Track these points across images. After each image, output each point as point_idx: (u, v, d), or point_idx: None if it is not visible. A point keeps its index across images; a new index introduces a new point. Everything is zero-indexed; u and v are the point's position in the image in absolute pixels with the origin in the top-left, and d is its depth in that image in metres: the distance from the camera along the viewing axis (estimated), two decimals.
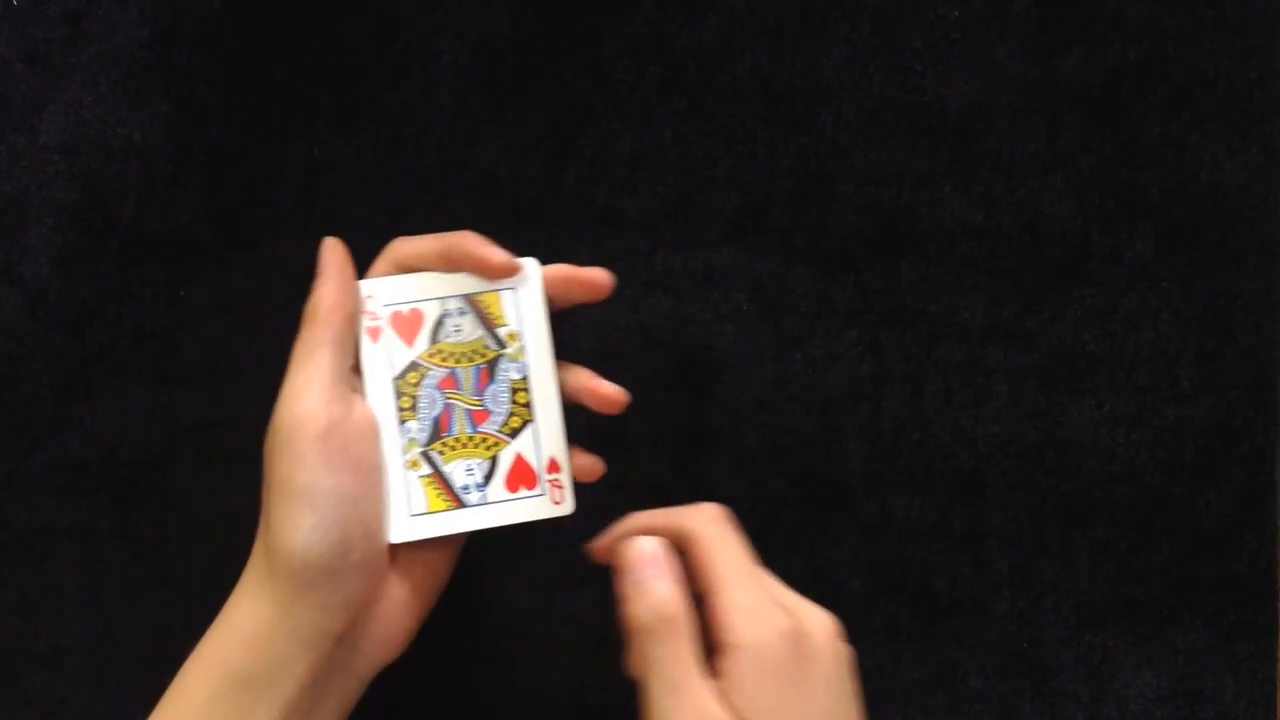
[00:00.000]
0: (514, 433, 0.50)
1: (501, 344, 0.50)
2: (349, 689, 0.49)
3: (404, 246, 0.50)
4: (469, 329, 0.50)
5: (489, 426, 0.50)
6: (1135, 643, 0.58)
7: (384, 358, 0.49)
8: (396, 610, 0.49)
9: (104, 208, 0.57)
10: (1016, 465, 0.58)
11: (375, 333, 0.49)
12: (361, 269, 0.50)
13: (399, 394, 0.49)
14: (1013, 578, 0.58)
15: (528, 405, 0.50)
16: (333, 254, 0.49)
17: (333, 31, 0.58)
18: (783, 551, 0.57)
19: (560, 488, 0.50)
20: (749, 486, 0.57)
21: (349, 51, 0.58)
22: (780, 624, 0.44)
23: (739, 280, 0.58)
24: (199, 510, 0.57)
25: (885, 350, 0.58)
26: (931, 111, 0.58)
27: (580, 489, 0.50)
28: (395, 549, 0.49)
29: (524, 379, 0.50)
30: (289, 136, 0.58)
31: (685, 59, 0.58)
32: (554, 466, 0.50)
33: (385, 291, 0.49)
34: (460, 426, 0.50)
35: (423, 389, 0.49)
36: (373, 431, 0.48)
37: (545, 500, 0.50)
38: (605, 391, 0.50)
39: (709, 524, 0.47)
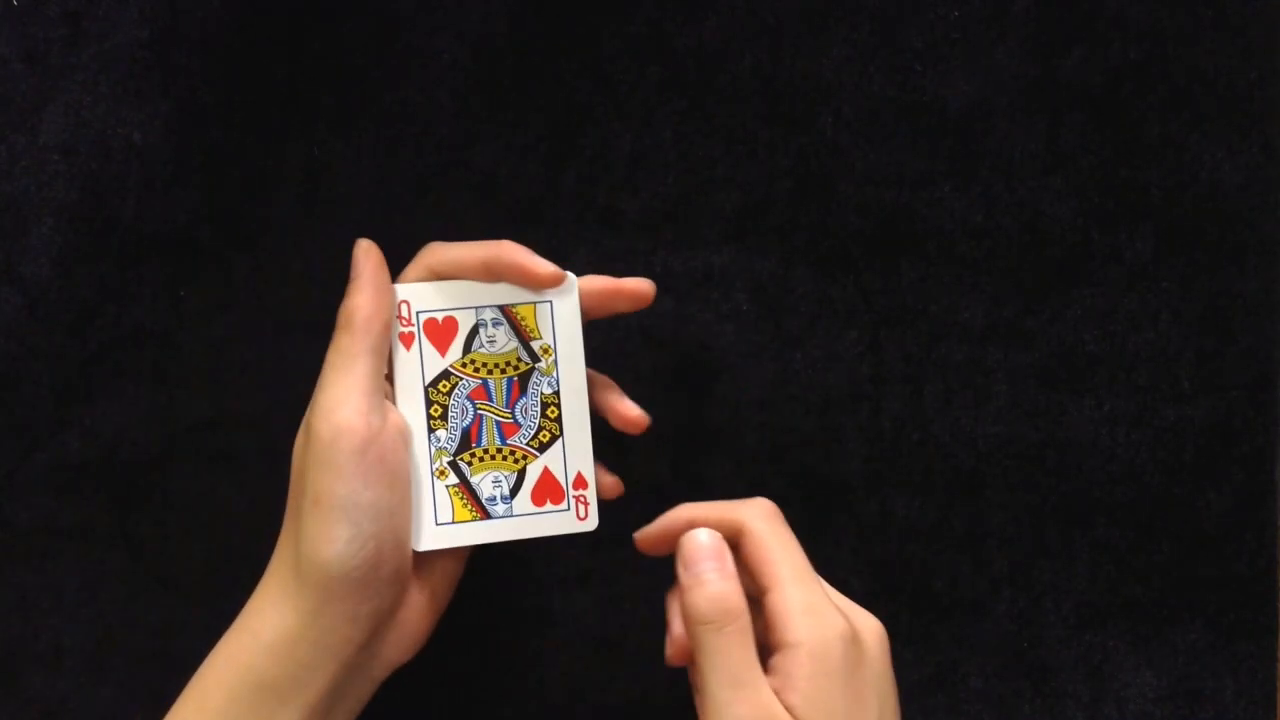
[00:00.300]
0: (542, 447, 0.49)
1: (535, 357, 0.49)
2: (364, 691, 0.49)
3: (441, 253, 0.49)
4: (503, 340, 0.49)
5: (518, 439, 0.49)
6: (1135, 643, 0.58)
7: (416, 365, 0.49)
8: (415, 615, 0.49)
9: (104, 208, 0.57)
10: (1016, 465, 0.58)
11: (408, 339, 0.49)
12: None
13: (430, 402, 0.49)
14: (1013, 578, 0.58)
15: (558, 420, 0.49)
16: (368, 258, 0.48)
17: (333, 31, 0.58)
18: None
19: (586, 504, 0.50)
20: (749, 486, 0.57)
21: (349, 51, 0.58)
22: (839, 626, 0.44)
23: (739, 280, 0.58)
24: (199, 510, 0.57)
25: (885, 350, 0.58)
26: (931, 111, 0.58)
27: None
28: (416, 555, 0.48)
29: (555, 393, 0.49)
30: (289, 136, 0.58)
31: (685, 59, 0.58)
32: (581, 482, 0.50)
33: (421, 298, 0.49)
34: (490, 439, 0.49)
35: (454, 398, 0.49)
36: (405, 440, 0.48)
37: (570, 515, 0.50)
38: (629, 414, 0.50)
39: (763, 519, 0.47)
